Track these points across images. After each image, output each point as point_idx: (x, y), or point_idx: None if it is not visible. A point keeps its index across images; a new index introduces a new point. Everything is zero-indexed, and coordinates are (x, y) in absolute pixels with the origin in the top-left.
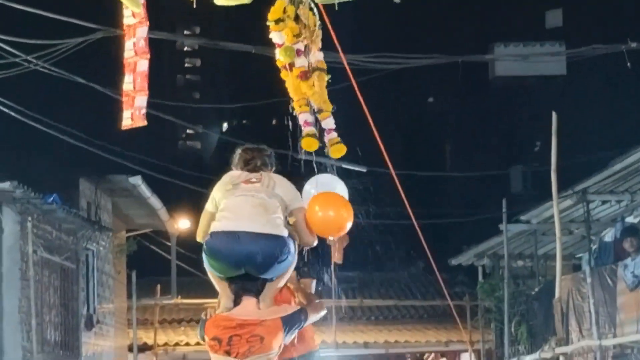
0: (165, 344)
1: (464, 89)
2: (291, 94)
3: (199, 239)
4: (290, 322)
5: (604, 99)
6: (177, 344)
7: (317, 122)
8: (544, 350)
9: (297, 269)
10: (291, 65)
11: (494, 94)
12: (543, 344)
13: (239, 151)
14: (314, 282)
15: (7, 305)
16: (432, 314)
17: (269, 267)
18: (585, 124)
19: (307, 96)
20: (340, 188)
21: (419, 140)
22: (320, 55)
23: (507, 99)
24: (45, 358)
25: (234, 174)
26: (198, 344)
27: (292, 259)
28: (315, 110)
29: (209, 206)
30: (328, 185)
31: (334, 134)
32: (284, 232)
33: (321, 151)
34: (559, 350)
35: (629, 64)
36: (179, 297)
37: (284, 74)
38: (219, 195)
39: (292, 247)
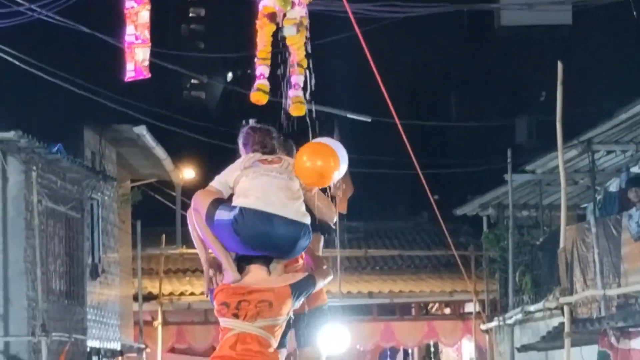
0: (170, 294)
1: (469, 39)
2: (262, 43)
3: (206, 219)
4: (299, 288)
5: (609, 49)
6: (182, 294)
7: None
8: (548, 300)
9: None
10: (282, 14)
11: (500, 43)
12: (547, 293)
13: (247, 131)
14: (322, 240)
15: (12, 255)
16: (436, 264)
17: (290, 251)
18: (590, 73)
19: (294, 47)
20: (341, 153)
21: (424, 90)
22: (305, 11)
23: (513, 49)
24: (50, 307)
25: (249, 155)
26: (202, 293)
27: (309, 242)
28: (292, 64)
29: (215, 184)
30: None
31: (300, 92)
32: (308, 220)
33: (330, 103)
34: (563, 300)
35: (635, 13)
36: (184, 247)
37: (262, 23)
38: (234, 175)
39: (311, 232)
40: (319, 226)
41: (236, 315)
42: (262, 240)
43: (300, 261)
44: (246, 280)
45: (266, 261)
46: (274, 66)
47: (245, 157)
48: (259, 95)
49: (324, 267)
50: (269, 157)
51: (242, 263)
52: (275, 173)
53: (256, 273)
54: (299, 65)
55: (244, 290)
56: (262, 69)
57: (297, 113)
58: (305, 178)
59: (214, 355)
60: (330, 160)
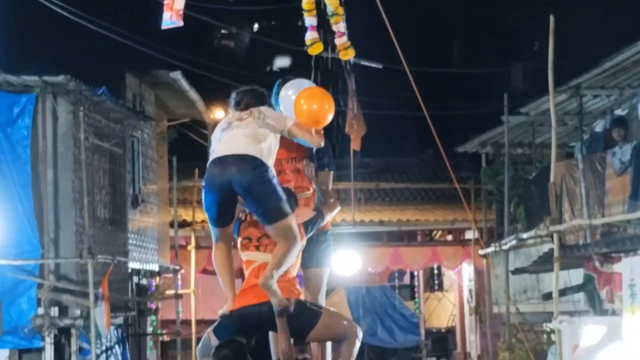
0: (203, 221)
1: None
2: None
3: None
4: (310, 224)
5: (598, 1)
6: None
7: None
8: (539, 229)
9: (315, 160)
10: None
11: None
12: (539, 222)
13: (232, 95)
14: (331, 174)
15: (62, 186)
16: (440, 196)
17: (247, 181)
18: (580, 24)
19: None
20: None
21: (430, 40)
22: None
23: (509, 2)
24: (95, 232)
25: (227, 116)
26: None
27: (273, 182)
28: (329, 14)
29: (211, 152)
30: (301, 86)
31: (345, 38)
32: (261, 155)
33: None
34: (552, 228)
35: None
36: None
37: None
38: (217, 136)
39: (270, 173)
40: (329, 163)
41: (257, 248)
42: (217, 180)
43: (311, 189)
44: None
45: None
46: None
47: (222, 120)
48: (316, 48)
49: (332, 200)
50: (243, 115)
51: None
52: (244, 125)
53: None
54: (336, 14)
55: (262, 225)
56: (310, 20)
57: (346, 57)
58: (303, 120)
59: (242, 288)
60: (325, 104)
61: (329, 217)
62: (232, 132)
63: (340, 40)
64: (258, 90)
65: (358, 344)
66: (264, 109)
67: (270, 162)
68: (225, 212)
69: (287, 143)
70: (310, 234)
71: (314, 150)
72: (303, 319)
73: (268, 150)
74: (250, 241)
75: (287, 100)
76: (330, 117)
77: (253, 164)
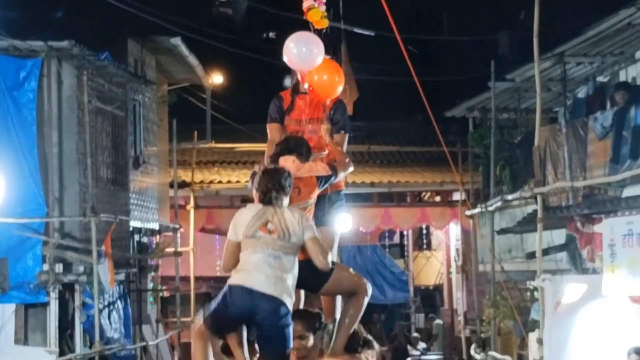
0: (201, 182)
1: None
2: None
3: (224, 270)
4: (323, 180)
5: None
6: (211, 182)
7: None
8: (523, 190)
9: (332, 123)
10: None
11: None
12: (523, 185)
13: (259, 173)
14: (346, 137)
15: (66, 148)
16: (429, 159)
17: (271, 322)
18: None
19: None
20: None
21: (420, 9)
22: None
23: None
24: (98, 192)
25: (250, 213)
26: (229, 182)
27: (289, 328)
28: None
29: (231, 237)
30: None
31: (323, 7)
32: (289, 300)
33: (337, 19)
34: (536, 190)
35: None
36: (213, 141)
37: None
38: (240, 231)
39: (289, 318)
40: (345, 126)
41: None
42: (243, 311)
43: (327, 150)
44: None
45: (298, 155)
46: None
47: (245, 214)
48: (314, 14)
49: (347, 160)
50: (267, 225)
51: (275, 157)
52: (271, 249)
53: (285, 164)
54: None
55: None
56: None
57: (320, 26)
58: (321, 95)
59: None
60: (335, 76)
61: (342, 176)
62: (258, 255)
63: (318, 8)
64: (282, 181)
65: (367, 299)
66: (288, 218)
67: (293, 299)
68: (229, 325)
69: (309, 103)
70: (322, 188)
71: (332, 114)
72: (316, 274)
73: (293, 283)
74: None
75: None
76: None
77: (279, 310)
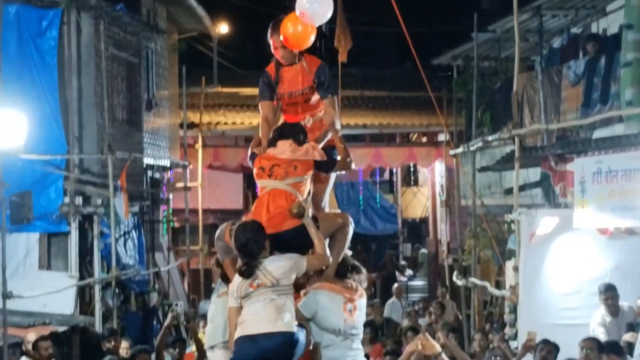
0: (209, 123)
1: None
2: None
3: (232, 343)
4: (321, 165)
5: None
6: (217, 123)
7: None
8: (502, 132)
9: (320, 89)
10: None
11: None
12: (502, 127)
13: (235, 227)
14: (335, 99)
15: (85, 91)
16: (417, 103)
17: (287, 354)
18: None
19: None
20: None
21: None
22: None
23: None
24: (114, 132)
25: (238, 279)
26: (234, 123)
27: (302, 344)
28: None
29: (231, 304)
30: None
31: None
32: (293, 327)
33: None
34: (514, 132)
35: None
36: (220, 86)
37: None
38: (236, 296)
39: (301, 337)
40: (331, 89)
41: (270, 176)
42: (249, 356)
43: (321, 108)
44: (275, 152)
45: (295, 140)
46: None
47: (237, 289)
48: None
49: (348, 159)
50: (254, 282)
51: (273, 141)
52: (264, 296)
53: (283, 147)
54: None
55: (275, 158)
56: None
57: None
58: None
59: (253, 212)
60: (308, 27)
61: (340, 169)
62: (254, 306)
63: None
64: (255, 241)
65: (351, 229)
66: (270, 267)
67: (294, 329)
68: None
69: (295, 77)
70: (322, 170)
71: (318, 81)
72: (307, 241)
73: (292, 317)
74: (263, 170)
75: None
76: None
77: (286, 342)
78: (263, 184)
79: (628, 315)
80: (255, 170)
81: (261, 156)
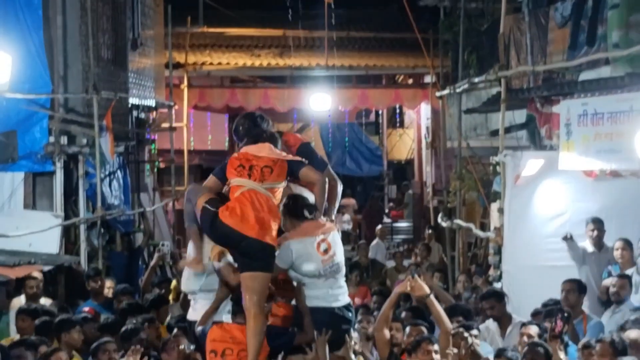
0: (194, 63)
1: None
2: None
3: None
4: (293, 165)
5: None
6: (203, 64)
7: None
8: (489, 74)
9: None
10: None
11: None
12: (489, 69)
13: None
14: (328, 167)
15: (70, 30)
16: (403, 45)
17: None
18: None
19: None
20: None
21: None
22: None
23: None
24: (100, 71)
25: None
26: (219, 63)
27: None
28: None
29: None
30: None
31: None
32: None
33: None
34: (500, 74)
35: None
36: (205, 26)
37: None
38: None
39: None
40: (320, 165)
41: (249, 176)
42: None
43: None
44: (254, 149)
45: (273, 144)
46: None
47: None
48: None
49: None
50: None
51: (253, 141)
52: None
53: (261, 147)
54: None
55: (252, 157)
56: None
57: None
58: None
59: (231, 202)
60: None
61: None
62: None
63: None
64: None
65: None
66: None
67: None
68: None
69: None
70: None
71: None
72: None
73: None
74: (243, 169)
75: None
76: None
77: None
78: (242, 183)
79: (611, 253)
80: (234, 165)
81: (240, 154)
